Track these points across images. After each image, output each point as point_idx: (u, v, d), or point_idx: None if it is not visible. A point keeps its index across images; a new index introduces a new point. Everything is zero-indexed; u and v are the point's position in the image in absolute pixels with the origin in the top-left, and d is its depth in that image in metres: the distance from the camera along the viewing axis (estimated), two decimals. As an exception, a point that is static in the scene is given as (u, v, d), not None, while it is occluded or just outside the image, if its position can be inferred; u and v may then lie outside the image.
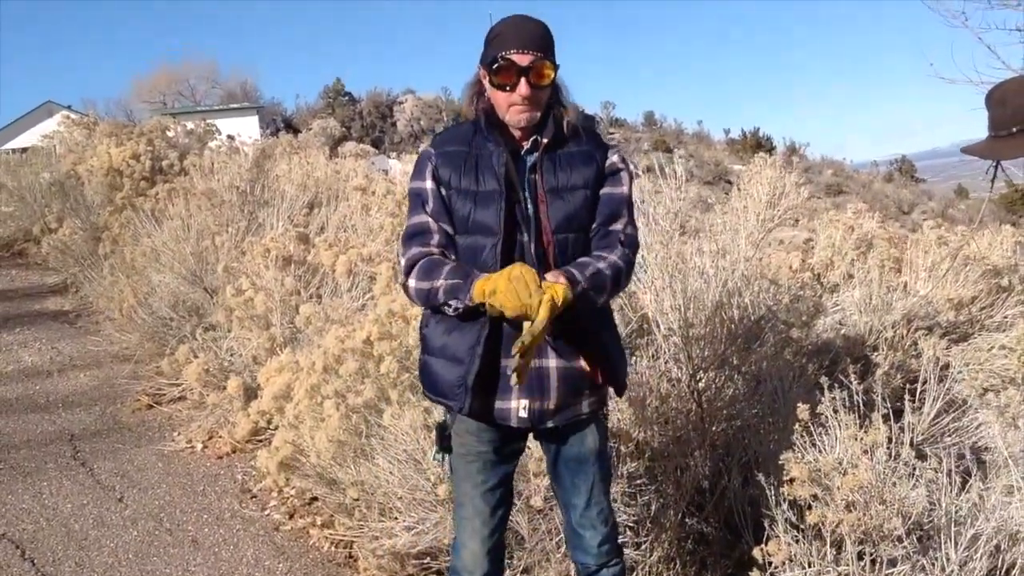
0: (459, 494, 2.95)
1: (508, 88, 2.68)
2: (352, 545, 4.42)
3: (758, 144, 43.06)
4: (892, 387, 5.14)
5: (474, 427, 2.86)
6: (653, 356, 4.57)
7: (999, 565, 3.76)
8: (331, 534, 4.53)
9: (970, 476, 4.77)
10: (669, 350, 4.57)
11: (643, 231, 4.66)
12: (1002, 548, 3.79)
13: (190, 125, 13.52)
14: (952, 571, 3.66)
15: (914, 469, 3.80)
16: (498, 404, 2.80)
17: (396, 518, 4.19)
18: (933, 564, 3.71)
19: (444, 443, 2.95)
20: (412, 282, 2.70)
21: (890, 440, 3.81)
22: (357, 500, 4.40)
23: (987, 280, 5.82)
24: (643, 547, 4.06)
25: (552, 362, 2.81)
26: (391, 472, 4.18)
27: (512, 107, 2.71)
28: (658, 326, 4.62)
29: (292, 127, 37.97)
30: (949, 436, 5.20)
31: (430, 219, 2.76)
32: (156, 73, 44.07)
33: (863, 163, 57.04)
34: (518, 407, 2.80)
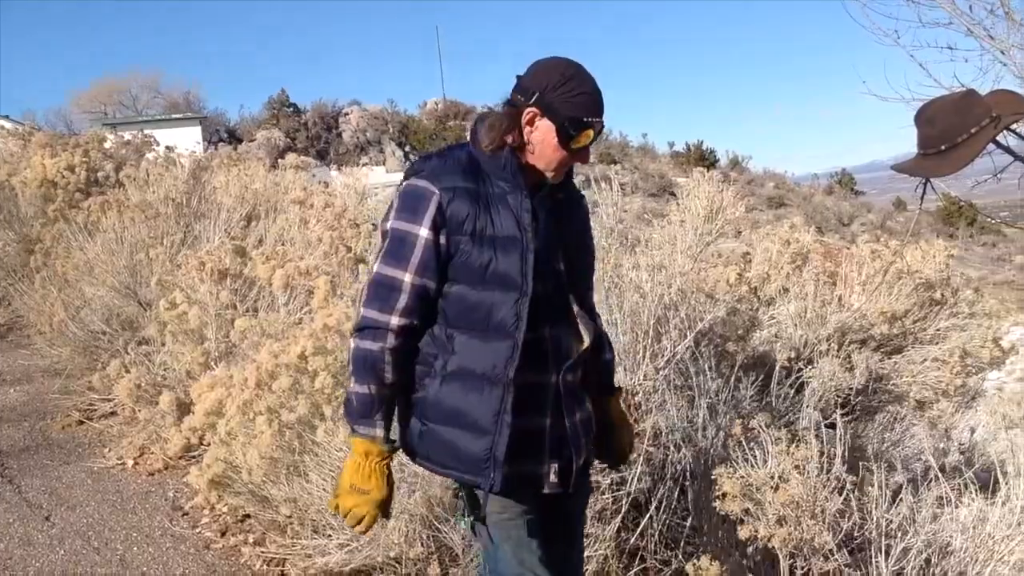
0: (513, 566, 2.58)
1: (578, 151, 2.55)
2: (284, 563, 4.34)
3: (702, 157, 43.45)
4: (825, 400, 5.19)
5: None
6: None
7: (929, 577, 3.80)
8: (263, 552, 4.46)
9: (902, 489, 4.82)
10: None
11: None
12: (932, 562, 3.83)
13: (127, 136, 13.32)
14: (882, 584, 3.68)
15: (845, 483, 3.83)
16: (527, 468, 2.55)
17: (329, 536, 4.14)
18: (864, 577, 3.74)
19: (477, 508, 2.58)
20: (353, 346, 2.48)
21: (822, 454, 3.83)
22: (290, 517, 4.34)
23: (920, 293, 5.90)
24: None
25: (578, 415, 2.64)
26: (324, 489, 4.14)
27: (563, 165, 2.57)
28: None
29: (236, 137, 37.65)
30: (882, 449, 5.25)
31: (407, 275, 2.45)
32: (97, 83, 43.36)
33: (804, 176, 57.85)
34: (548, 471, 2.58)
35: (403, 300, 2.46)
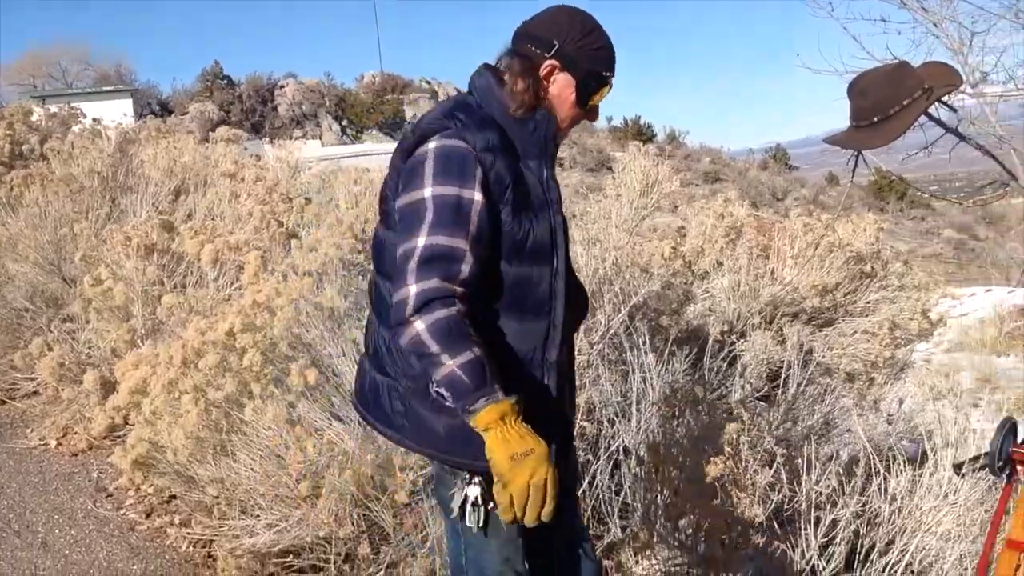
0: (497, 563, 2.43)
1: (587, 105, 2.42)
2: (211, 544, 4.26)
3: (639, 132, 43.60)
4: (758, 374, 5.22)
5: None
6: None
7: (858, 548, 3.83)
8: (189, 533, 4.37)
9: (832, 461, 4.88)
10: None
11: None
12: (861, 533, 3.88)
13: (53, 108, 12.98)
14: (812, 556, 3.71)
15: (774, 456, 3.85)
16: None
17: (257, 516, 4.06)
18: (794, 549, 3.76)
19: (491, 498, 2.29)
20: (421, 326, 2.11)
21: (752, 428, 3.85)
22: (217, 498, 4.25)
23: (850, 266, 5.95)
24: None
25: (567, 388, 2.55)
26: (252, 468, 4.06)
27: (574, 122, 2.45)
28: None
29: (168, 110, 36.97)
30: (812, 421, 5.29)
31: (467, 244, 2.17)
32: (25, 55, 42.21)
33: (740, 151, 58.41)
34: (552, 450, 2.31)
35: (466, 270, 2.17)
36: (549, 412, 2.33)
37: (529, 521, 2.13)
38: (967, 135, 3.73)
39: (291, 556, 4.07)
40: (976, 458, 3.26)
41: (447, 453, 2.35)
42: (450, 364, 2.09)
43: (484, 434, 2.11)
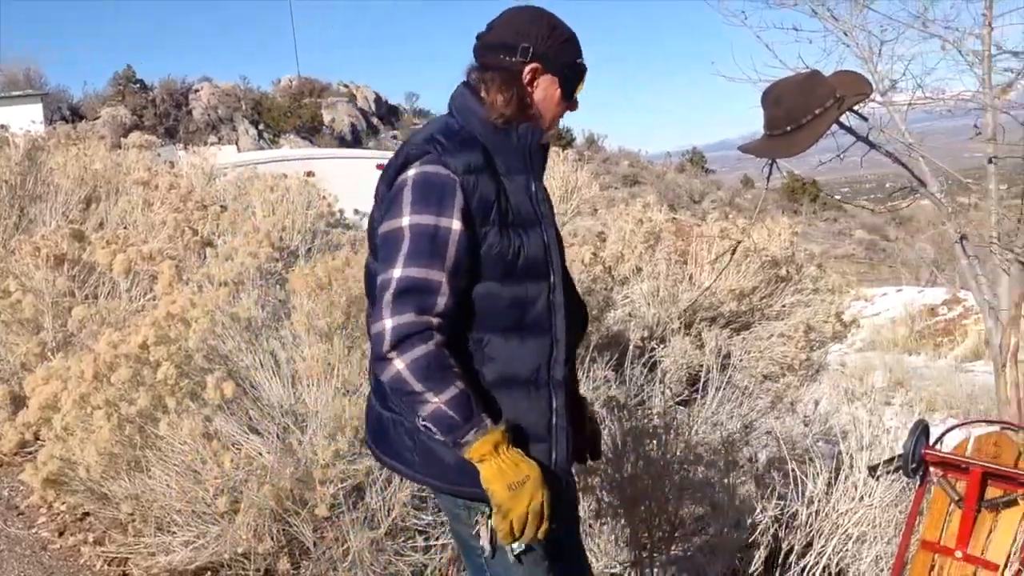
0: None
1: (572, 98, 2.42)
2: (127, 562, 4.17)
3: (558, 136, 43.86)
4: (678, 378, 5.28)
5: None
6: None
7: (777, 551, 3.90)
8: (104, 551, 4.27)
9: (750, 463, 4.94)
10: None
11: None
12: (780, 536, 3.94)
13: (-45, 114, 12.61)
14: (732, 560, 3.77)
15: (696, 460, 3.90)
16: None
17: (174, 532, 3.98)
18: (714, 552, 3.81)
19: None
20: (401, 365, 2.10)
21: (670, 430, 3.89)
22: (132, 515, 4.16)
23: (766, 271, 6.05)
24: (433, 550, 4.01)
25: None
26: (168, 484, 3.97)
27: (558, 118, 2.44)
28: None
29: (79, 115, 36.07)
30: (731, 425, 5.36)
31: (443, 275, 2.15)
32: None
33: (658, 154, 58.99)
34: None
35: (441, 303, 2.15)
36: (557, 431, 2.32)
37: (530, 541, 2.19)
38: (877, 143, 3.82)
39: (209, 573, 4.01)
40: (890, 460, 3.33)
41: (458, 485, 2.29)
42: (435, 401, 2.10)
43: (479, 465, 2.12)
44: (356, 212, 7.07)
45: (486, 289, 2.24)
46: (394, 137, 38.02)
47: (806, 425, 5.73)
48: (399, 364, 2.09)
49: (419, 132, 2.38)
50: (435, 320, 2.13)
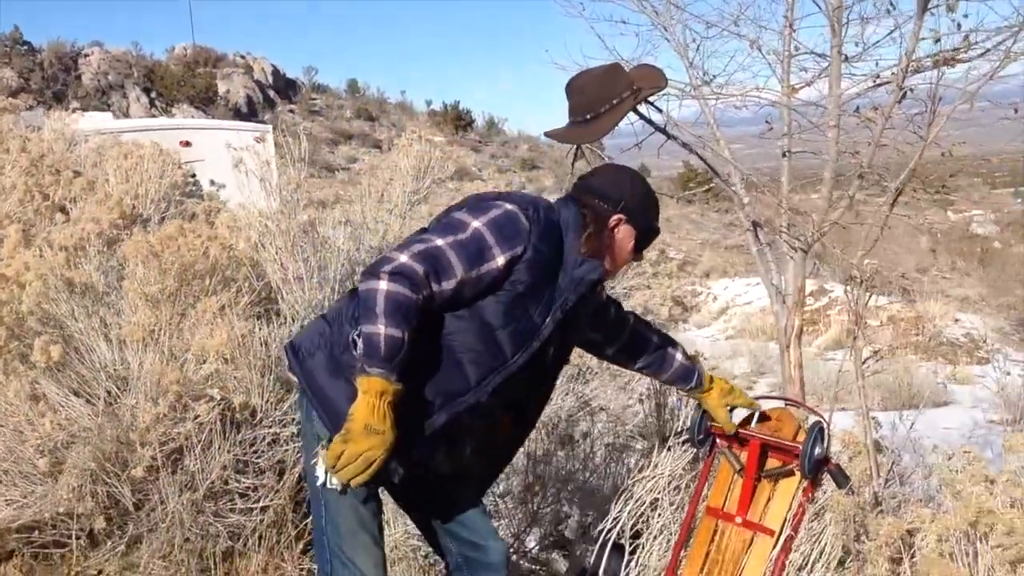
0: (346, 518, 2.70)
1: (640, 255, 2.87)
2: (-52, 522, 4.17)
3: (458, 117, 43.78)
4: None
5: None
6: (280, 324, 4.62)
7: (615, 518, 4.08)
8: (-73, 509, 4.26)
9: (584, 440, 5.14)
10: (295, 317, 4.64)
11: (268, 200, 4.70)
12: (582, 508, 4.15)
13: None
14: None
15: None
16: None
17: (-2, 492, 4.01)
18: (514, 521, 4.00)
19: None
20: (384, 287, 2.36)
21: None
22: (-47, 475, 4.16)
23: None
24: (254, 512, 4.11)
25: None
26: (-10, 444, 4.00)
27: (621, 268, 2.93)
28: (283, 295, 4.67)
29: (-39, 76, 34.84)
30: (568, 403, 5.55)
31: (463, 275, 2.47)
32: None
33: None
34: None
35: (445, 288, 2.45)
36: (432, 437, 2.59)
37: (341, 479, 2.39)
38: (674, 134, 4.04)
39: (35, 532, 4.04)
40: (680, 432, 3.54)
41: (322, 401, 2.58)
42: (379, 328, 2.34)
43: (360, 395, 2.36)
44: (212, 183, 7.09)
45: (470, 314, 2.55)
46: (291, 111, 37.60)
47: (641, 402, 5.96)
48: (383, 285, 2.35)
49: (528, 195, 2.75)
50: (428, 290, 2.41)
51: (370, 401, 2.35)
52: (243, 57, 38.58)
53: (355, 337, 2.48)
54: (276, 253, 4.63)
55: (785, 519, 3.21)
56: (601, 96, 3.39)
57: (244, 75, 36.99)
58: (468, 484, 2.92)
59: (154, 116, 32.87)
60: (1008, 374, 11.15)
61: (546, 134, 3.58)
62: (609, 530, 3.82)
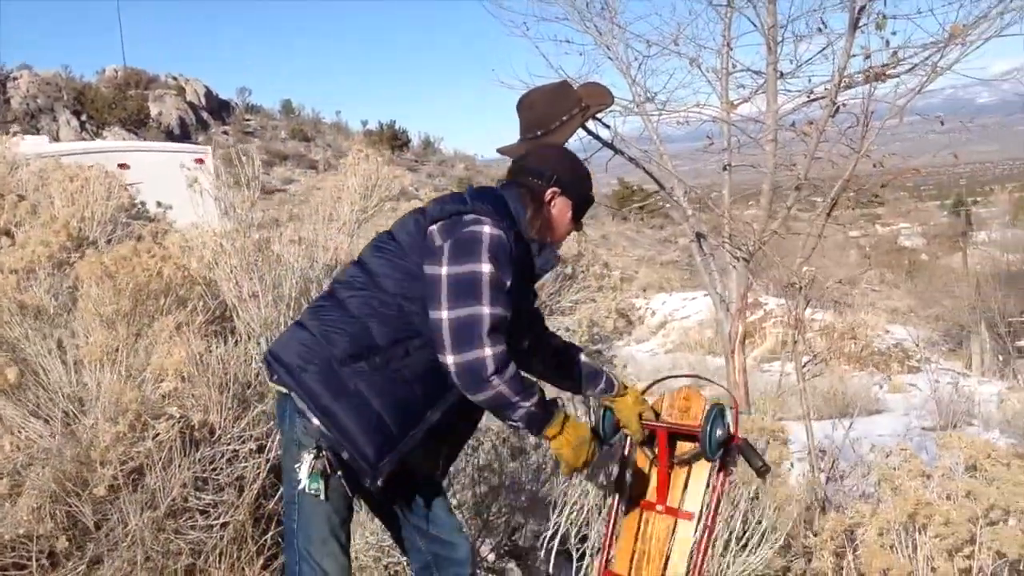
0: (318, 524, 2.85)
1: (580, 224, 3.06)
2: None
3: (394, 136, 43.73)
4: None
5: None
6: (236, 341, 4.67)
7: (563, 523, 4.19)
8: None
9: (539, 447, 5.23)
10: (251, 335, 4.68)
11: (221, 219, 4.75)
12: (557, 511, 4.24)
13: None
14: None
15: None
16: None
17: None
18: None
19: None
20: (502, 385, 2.61)
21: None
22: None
23: (554, 270, 6.37)
24: (215, 529, 4.14)
25: None
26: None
27: (563, 238, 3.08)
28: (238, 313, 4.72)
29: None
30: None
31: (508, 311, 2.70)
32: None
33: (495, 158, 59.59)
34: None
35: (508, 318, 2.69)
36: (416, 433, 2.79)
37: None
38: (621, 148, 4.18)
39: (-6, 555, 4.03)
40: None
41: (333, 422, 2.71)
42: (526, 405, 2.67)
43: (558, 449, 2.83)
44: (159, 204, 7.10)
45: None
46: (225, 132, 37.28)
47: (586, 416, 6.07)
48: (502, 387, 2.62)
49: (484, 204, 2.82)
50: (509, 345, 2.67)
51: (567, 446, 2.81)
52: (175, 79, 38.19)
53: (513, 424, 2.76)
54: (231, 271, 4.68)
55: (703, 501, 3.29)
56: (551, 113, 3.52)
57: (176, 97, 36.61)
58: (434, 476, 3.07)
59: (84, 139, 32.39)
60: (938, 382, 11.53)
61: (498, 150, 3.69)
62: (551, 538, 3.94)
